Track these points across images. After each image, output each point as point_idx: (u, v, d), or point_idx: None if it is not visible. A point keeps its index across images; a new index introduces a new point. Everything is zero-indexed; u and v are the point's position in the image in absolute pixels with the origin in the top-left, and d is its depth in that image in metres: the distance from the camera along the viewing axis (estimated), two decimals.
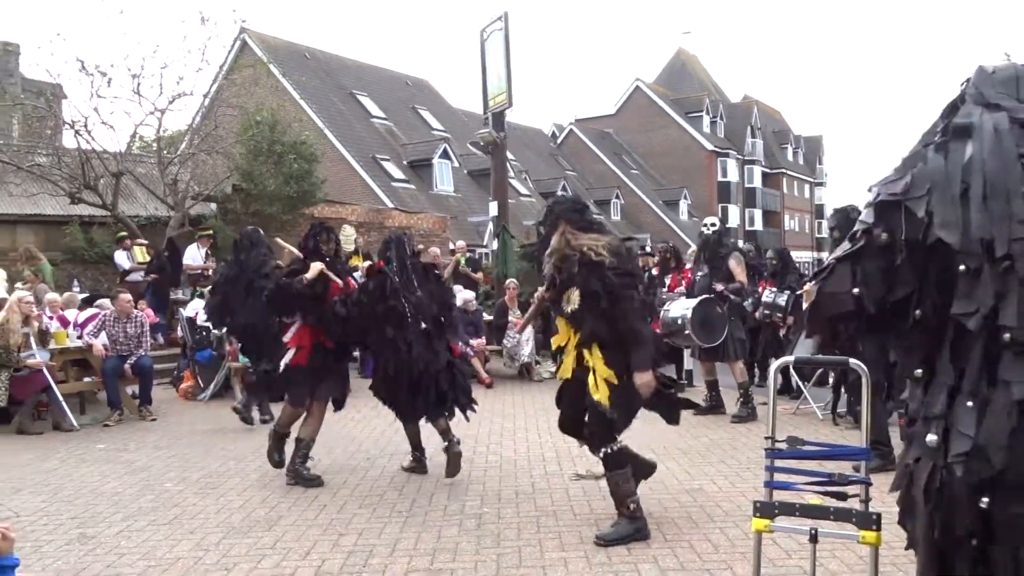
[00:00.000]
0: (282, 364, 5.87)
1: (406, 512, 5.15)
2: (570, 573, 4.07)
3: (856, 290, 2.15)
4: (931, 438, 2.07)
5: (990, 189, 1.99)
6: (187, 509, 5.33)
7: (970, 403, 2.01)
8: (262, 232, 8.39)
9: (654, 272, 10.88)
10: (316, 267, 5.76)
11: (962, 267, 2.01)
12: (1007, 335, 1.96)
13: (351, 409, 8.51)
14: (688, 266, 10.35)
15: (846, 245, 2.22)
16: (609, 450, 4.51)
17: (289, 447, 5.99)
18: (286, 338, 5.87)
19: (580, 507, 5.17)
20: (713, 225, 8.54)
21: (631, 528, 4.51)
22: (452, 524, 4.88)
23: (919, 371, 2.16)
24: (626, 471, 4.56)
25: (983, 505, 1.98)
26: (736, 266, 8.21)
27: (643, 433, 7.50)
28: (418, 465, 6.16)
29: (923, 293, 2.09)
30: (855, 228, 2.22)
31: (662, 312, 8.69)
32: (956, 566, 2.08)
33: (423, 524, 4.89)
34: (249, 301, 7.58)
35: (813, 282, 2.31)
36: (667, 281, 10.20)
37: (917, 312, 2.10)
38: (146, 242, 14.14)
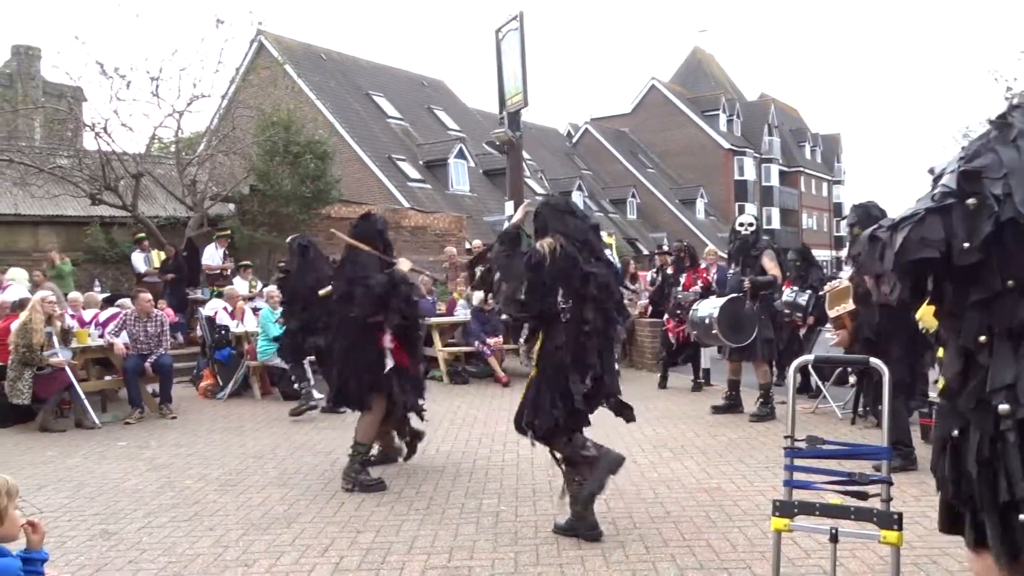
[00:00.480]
0: (388, 366, 5.66)
1: (423, 510, 5.16)
2: (587, 571, 4.07)
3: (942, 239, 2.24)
4: (1004, 407, 2.18)
5: None
6: (207, 506, 5.38)
7: None
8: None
9: (669, 271, 10.83)
10: (406, 263, 5.82)
11: None
12: None
13: None
14: (703, 265, 10.33)
15: (929, 202, 2.30)
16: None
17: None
18: (387, 343, 5.68)
19: (598, 506, 5.13)
20: (750, 225, 8.34)
21: (576, 524, 4.57)
22: (470, 522, 4.89)
23: (983, 338, 2.25)
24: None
25: None
26: (769, 262, 8.11)
27: (661, 432, 7.52)
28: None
29: (999, 262, 2.22)
30: (937, 190, 2.31)
31: (691, 311, 8.66)
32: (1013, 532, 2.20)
33: (440, 522, 4.91)
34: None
35: (899, 228, 2.31)
36: (682, 280, 10.16)
37: (1010, 282, 2.21)
38: (165, 243, 14.28)
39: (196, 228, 15.25)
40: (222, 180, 16.50)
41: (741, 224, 8.40)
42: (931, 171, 2.47)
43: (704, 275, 10.04)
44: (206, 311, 11.35)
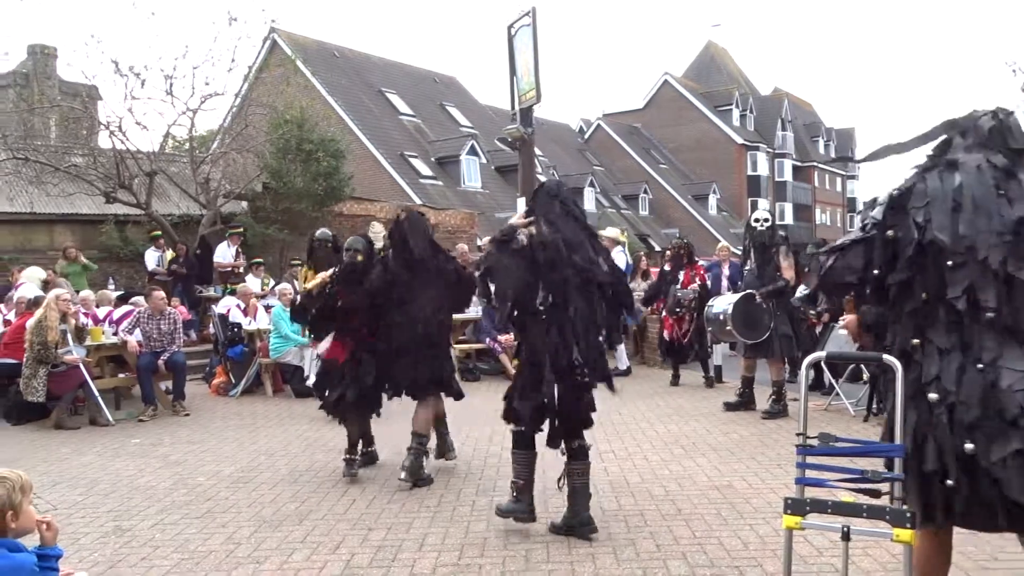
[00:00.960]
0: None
1: (434, 507, 5.17)
2: (598, 569, 4.06)
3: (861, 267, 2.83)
4: (932, 396, 2.68)
5: (975, 207, 2.68)
6: (220, 503, 5.40)
7: (978, 366, 2.62)
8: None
9: (667, 268, 10.81)
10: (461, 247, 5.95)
11: (950, 262, 2.67)
12: (988, 314, 2.63)
13: None
14: (700, 262, 10.31)
15: (858, 232, 2.85)
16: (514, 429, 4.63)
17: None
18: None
19: (609, 503, 5.15)
20: (766, 221, 8.22)
21: (511, 505, 4.60)
22: (480, 519, 4.89)
23: (916, 340, 2.77)
24: (518, 454, 4.60)
25: (968, 450, 2.57)
26: (784, 261, 8.01)
27: (673, 429, 7.50)
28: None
29: (921, 280, 2.73)
30: (865, 221, 2.85)
31: (707, 307, 8.63)
32: (938, 500, 2.70)
33: (451, 519, 4.91)
34: None
35: (831, 254, 2.91)
36: (680, 277, 10.12)
37: (923, 295, 2.73)
38: (177, 240, 14.35)
39: (209, 226, 15.32)
40: (235, 178, 16.56)
41: (756, 220, 8.29)
42: (867, 203, 2.99)
43: (702, 272, 10.02)
44: (219, 308, 11.40)
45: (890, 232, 2.75)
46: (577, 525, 4.51)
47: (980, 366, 2.63)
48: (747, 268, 8.44)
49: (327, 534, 4.69)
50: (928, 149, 2.98)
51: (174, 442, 7.46)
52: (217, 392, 10.34)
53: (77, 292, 10.73)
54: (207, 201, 15.67)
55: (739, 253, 9.82)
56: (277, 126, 16.99)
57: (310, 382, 8.40)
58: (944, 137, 2.93)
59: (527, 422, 4.53)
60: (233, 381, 10.40)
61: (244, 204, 17.21)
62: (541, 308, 4.43)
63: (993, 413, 2.59)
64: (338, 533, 4.70)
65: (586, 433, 4.62)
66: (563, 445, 4.55)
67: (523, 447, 4.61)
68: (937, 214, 2.70)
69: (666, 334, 10.34)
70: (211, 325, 11.74)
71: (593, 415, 4.61)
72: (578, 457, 4.56)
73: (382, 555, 4.33)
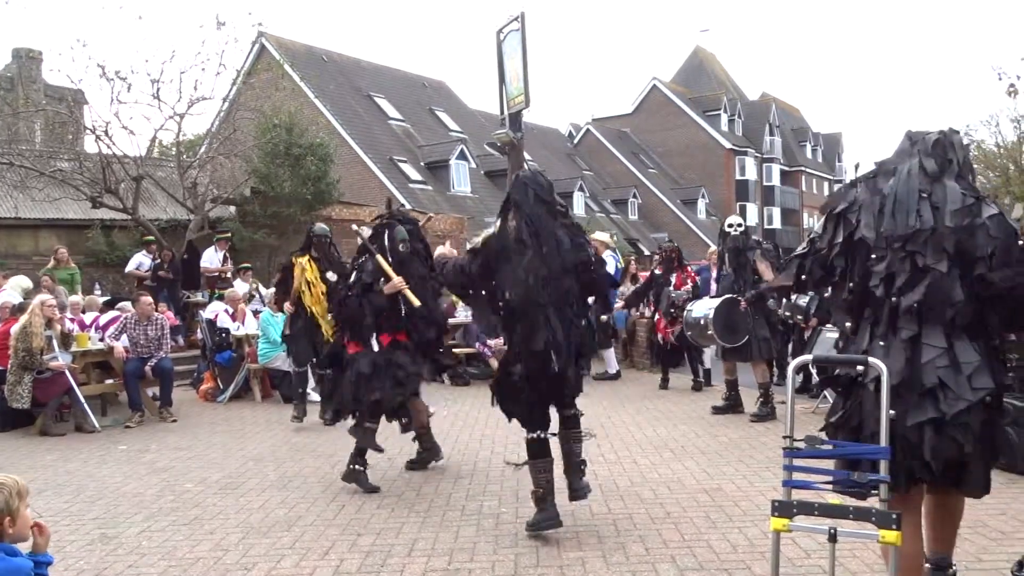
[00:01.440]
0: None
1: (424, 512, 5.16)
2: (587, 573, 4.06)
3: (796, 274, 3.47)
4: (859, 368, 3.05)
5: (897, 206, 3.09)
6: (207, 509, 5.37)
7: (881, 343, 3.08)
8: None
9: (658, 271, 10.86)
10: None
11: (873, 255, 3.11)
12: (903, 299, 3.03)
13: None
14: (690, 265, 10.37)
15: (803, 245, 3.45)
16: (529, 437, 4.64)
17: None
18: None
19: (598, 507, 5.16)
20: (739, 226, 8.40)
21: (539, 517, 4.56)
22: (470, 524, 4.88)
23: (848, 323, 3.27)
24: (538, 462, 4.60)
25: (890, 415, 2.91)
26: (761, 263, 8.12)
27: (661, 432, 7.51)
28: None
29: (852, 273, 3.20)
30: (812, 234, 3.44)
31: (686, 312, 8.67)
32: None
33: (441, 524, 4.90)
34: None
35: (787, 263, 3.64)
36: (672, 280, 10.18)
37: (850, 284, 3.20)
38: (164, 245, 14.29)
39: (197, 231, 15.27)
40: (223, 182, 16.52)
41: (730, 225, 8.49)
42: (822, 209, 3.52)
43: (692, 275, 10.09)
44: (206, 314, 11.35)
45: (823, 246, 3.30)
46: (572, 491, 4.68)
47: (899, 344, 3.03)
48: (723, 272, 8.53)
49: (316, 540, 4.67)
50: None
51: (161, 448, 7.42)
52: (205, 398, 10.29)
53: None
54: (194, 206, 15.61)
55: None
56: (265, 131, 16.96)
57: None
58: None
59: (537, 423, 4.59)
60: (221, 387, 10.36)
61: (232, 209, 17.16)
62: (536, 301, 4.42)
63: (911, 384, 2.97)
64: (327, 539, 4.69)
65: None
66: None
67: (540, 455, 4.61)
68: (865, 215, 3.15)
69: (659, 337, 10.38)
70: (199, 330, 11.69)
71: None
72: (570, 425, 4.71)
73: (371, 560, 4.32)
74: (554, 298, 4.45)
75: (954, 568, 3.39)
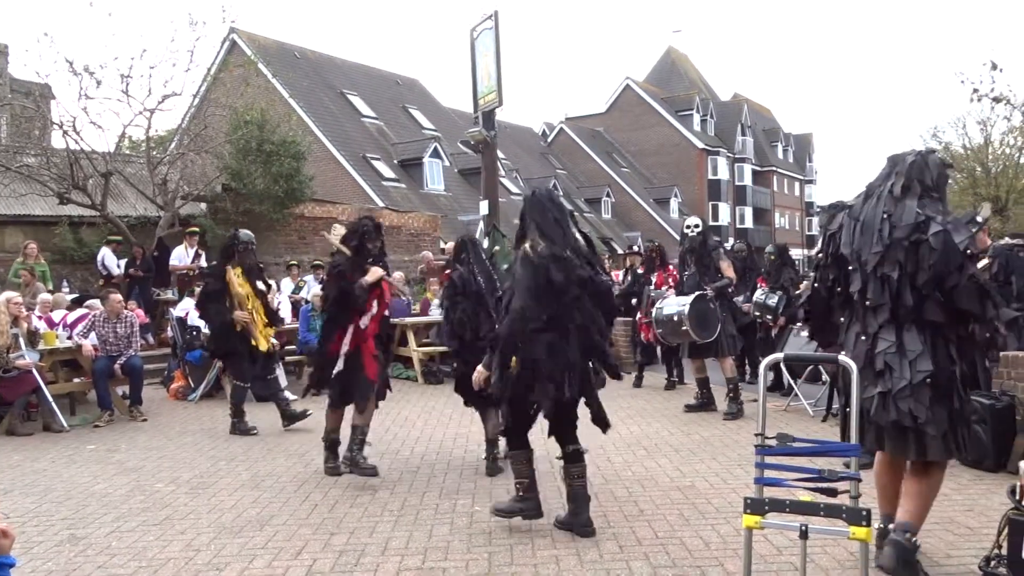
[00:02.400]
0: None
1: (397, 511, 5.14)
2: (561, 571, 4.08)
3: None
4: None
5: (864, 228, 3.81)
6: (178, 509, 5.32)
7: (863, 337, 3.81)
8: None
9: (639, 270, 10.90)
10: (376, 272, 5.92)
11: (850, 267, 3.85)
12: (868, 302, 3.77)
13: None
14: (672, 264, 10.45)
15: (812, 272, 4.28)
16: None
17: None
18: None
19: None
20: (696, 227, 8.56)
21: (515, 506, 4.67)
22: (443, 523, 4.88)
23: (842, 319, 4.05)
24: (519, 453, 4.68)
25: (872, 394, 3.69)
26: (722, 261, 8.41)
27: (635, 430, 7.55)
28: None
29: (840, 281, 3.95)
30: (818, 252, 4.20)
31: (655, 310, 8.73)
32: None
33: (414, 523, 4.89)
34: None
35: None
36: (653, 279, 10.25)
37: (839, 289, 3.97)
38: (133, 242, 14.12)
39: (167, 228, 15.09)
40: (194, 179, 16.33)
41: (688, 227, 8.62)
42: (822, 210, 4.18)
43: (673, 274, 10.16)
44: (177, 311, 11.22)
45: (821, 256, 4.11)
46: (576, 525, 4.56)
47: (863, 337, 3.79)
48: (687, 273, 8.64)
49: (289, 539, 4.64)
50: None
51: (131, 448, 7.34)
52: (176, 397, 10.18)
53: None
54: (165, 203, 15.42)
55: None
56: (237, 127, 16.80)
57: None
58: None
59: (516, 425, 4.63)
60: (192, 385, 10.25)
61: (203, 206, 16.98)
62: (544, 320, 4.35)
63: (868, 367, 3.70)
64: (300, 538, 4.66)
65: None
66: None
67: (518, 447, 4.67)
68: (845, 235, 3.90)
69: (643, 336, 10.41)
70: (169, 328, 11.56)
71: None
72: (573, 460, 4.60)
73: (344, 560, 4.30)
74: (574, 319, 4.42)
75: (915, 541, 3.70)
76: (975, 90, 13.67)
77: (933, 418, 3.59)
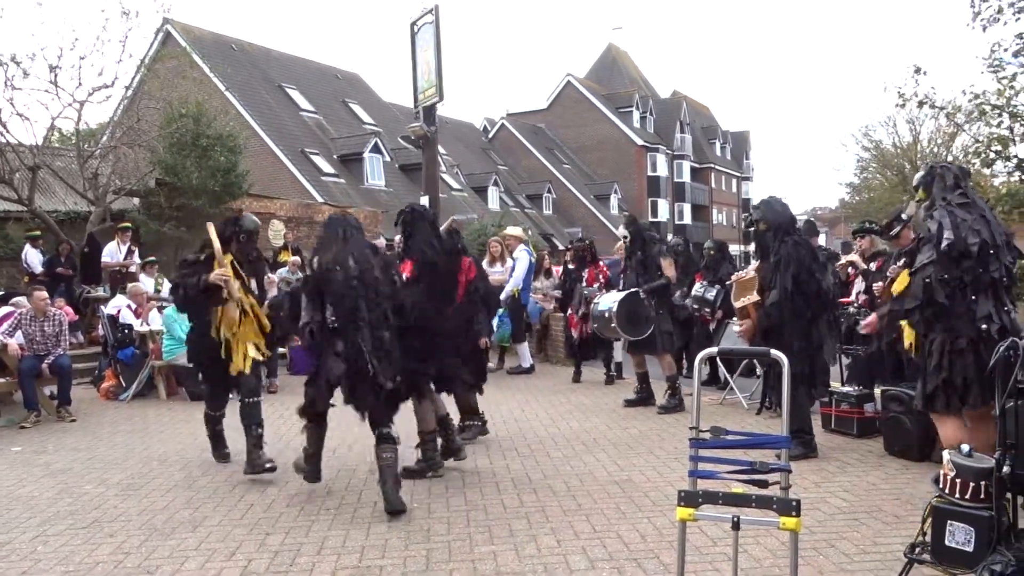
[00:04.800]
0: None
1: (335, 509, 5.09)
2: (500, 566, 4.08)
3: None
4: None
5: (986, 222, 4.33)
6: (108, 512, 5.17)
7: (1006, 308, 4.38)
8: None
9: (571, 267, 10.95)
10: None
11: (990, 251, 4.26)
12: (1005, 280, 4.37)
13: (278, 405, 8.41)
14: (603, 261, 10.54)
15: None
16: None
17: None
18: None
19: (511, 500, 5.19)
20: (625, 237, 8.58)
21: (305, 466, 5.43)
22: (381, 520, 4.84)
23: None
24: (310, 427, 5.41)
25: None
26: (663, 260, 8.42)
27: (574, 425, 7.59)
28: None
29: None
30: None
31: (592, 304, 8.82)
32: None
33: (352, 521, 4.85)
34: None
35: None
36: (585, 275, 10.32)
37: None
38: (63, 238, 13.68)
39: (98, 223, 14.66)
40: (126, 173, 15.89)
41: (624, 237, 8.63)
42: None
43: (604, 270, 10.26)
44: (108, 309, 10.91)
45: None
46: (387, 505, 4.92)
47: (1006, 308, 4.33)
48: (628, 271, 8.72)
49: (222, 540, 4.56)
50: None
51: (59, 449, 7.11)
52: (107, 396, 9.90)
53: None
54: (96, 197, 14.98)
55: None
56: (171, 120, 16.41)
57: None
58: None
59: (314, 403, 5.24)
60: (124, 384, 9.98)
61: (136, 200, 16.55)
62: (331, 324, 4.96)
63: (1013, 331, 4.16)
64: (234, 539, 4.58)
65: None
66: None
67: (314, 421, 5.34)
68: (967, 230, 4.31)
69: (574, 332, 10.51)
70: (100, 326, 11.23)
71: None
72: (381, 442, 5.03)
73: (280, 560, 4.24)
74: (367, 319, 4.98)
75: None
76: (900, 95, 14.18)
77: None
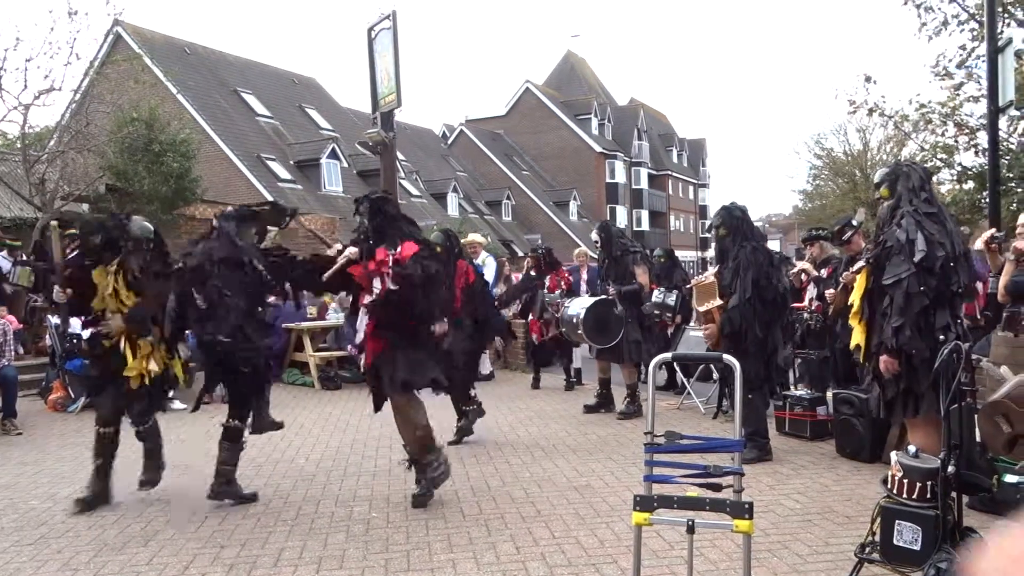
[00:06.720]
0: None
1: (291, 520, 5.02)
2: (459, 574, 4.06)
3: None
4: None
5: (950, 233, 4.42)
6: (55, 527, 5.05)
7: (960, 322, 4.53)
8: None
9: (532, 273, 11.00)
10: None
11: (952, 264, 4.32)
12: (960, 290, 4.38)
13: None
14: (564, 267, 10.58)
15: None
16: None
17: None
18: None
19: (470, 508, 5.17)
20: (596, 242, 8.55)
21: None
22: (339, 530, 4.79)
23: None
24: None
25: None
26: (637, 267, 8.34)
27: (533, 431, 7.60)
28: None
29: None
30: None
31: (562, 308, 8.84)
32: None
33: (309, 532, 4.79)
34: None
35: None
36: (547, 282, 10.32)
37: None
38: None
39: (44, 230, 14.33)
40: (75, 179, 15.53)
41: (595, 242, 8.59)
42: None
43: (566, 276, 10.27)
44: (55, 319, 10.64)
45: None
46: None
47: (959, 322, 4.45)
48: (600, 277, 8.76)
49: (175, 554, 4.47)
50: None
51: (3, 463, 6.92)
52: (54, 408, 9.66)
53: None
54: (43, 203, 14.63)
55: (596, 257, 10.11)
56: (122, 124, 16.10)
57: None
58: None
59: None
60: (72, 396, 9.74)
61: (85, 207, 16.18)
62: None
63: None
64: (187, 553, 4.49)
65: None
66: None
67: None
68: (945, 239, 4.40)
69: (534, 338, 10.53)
70: (48, 336, 10.96)
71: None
72: (224, 436, 5.41)
73: (235, 573, 4.17)
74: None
75: None
76: (851, 102, 14.62)
77: None
